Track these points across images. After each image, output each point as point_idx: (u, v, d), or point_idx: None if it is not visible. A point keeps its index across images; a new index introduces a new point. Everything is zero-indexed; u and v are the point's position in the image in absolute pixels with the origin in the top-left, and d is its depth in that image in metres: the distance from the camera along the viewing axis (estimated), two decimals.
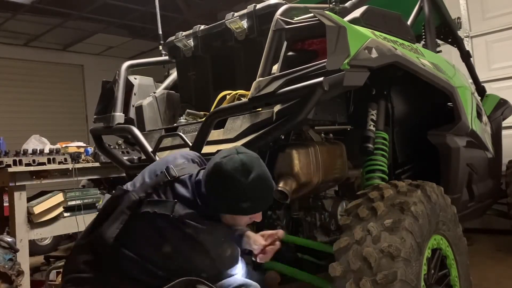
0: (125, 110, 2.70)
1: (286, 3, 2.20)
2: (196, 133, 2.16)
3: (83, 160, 4.33)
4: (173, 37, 2.78)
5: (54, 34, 8.89)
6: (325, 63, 1.78)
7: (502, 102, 4.01)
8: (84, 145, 4.68)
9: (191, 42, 2.67)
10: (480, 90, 4.02)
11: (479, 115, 3.12)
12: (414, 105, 2.85)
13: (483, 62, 5.15)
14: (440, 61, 2.59)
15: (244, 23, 2.38)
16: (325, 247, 2.28)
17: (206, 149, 2.14)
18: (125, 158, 2.78)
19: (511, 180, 3.78)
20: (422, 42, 2.97)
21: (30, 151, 4.09)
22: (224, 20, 2.46)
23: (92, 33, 9.05)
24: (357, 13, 2.12)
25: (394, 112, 2.67)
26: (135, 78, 2.90)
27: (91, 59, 10.28)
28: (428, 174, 2.49)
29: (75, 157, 4.20)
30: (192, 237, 1.58)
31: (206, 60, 2.68)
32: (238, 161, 1.58)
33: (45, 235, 4.83)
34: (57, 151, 4.25)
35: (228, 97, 2.32)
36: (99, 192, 4.74)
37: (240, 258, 1.72)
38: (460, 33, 4.01)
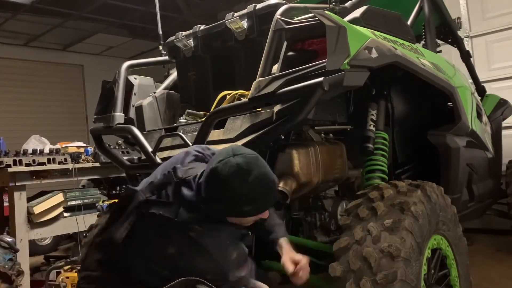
0: (125, 110, 2.70)
1: (286, 3, 2.19)
2: (196, 133, 2.17)
3: (83, 160, 4.33)
4: (173, 37, 2.78)
5: (54, 34, 8.90)
6: (325, 63, 1.78)
7: (502, 102, 4.01)
8: (84, 145, 4.68)
9: (191, 42, 2.67)
10: (480, 90, 4.02)
11: (479, 115, 3.12)
12: (414, 105, 2.85)
13: (483, 62, 5.15)
14: (440, 61, 2.59)
15: (244, 23, 2.38)
16: (325, 247, 2.28)
17: None
18: (125, 158, 2.78)
19: (511, 180, 3.78)
20: (422, 42, 2.97)
21: (30, 151, 4.10)
22: (224, 20, 2.46)
23: (92, 33, 9.06)
24: (357, 13, 2.12)
25: (394, 112, 2.67)
26: (135, 78, 2.89)
27: (91, 59, 10.28)
28: (428, 174, 2.49)
29: (75, 157, 4.20)
30: (196, 241, 1.57)
31: (206, 60, 2.68)
32: (234, 165, 1.53)
33: (45, 235, 4.84)
34: (57, 151, 4.26)
35: (228, 97, 2.32)
36: (99, 192, 4.75)
37: (248, 259, 1.71)
38: (460, 33, 4.01)
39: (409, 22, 2.67)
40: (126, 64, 2.79)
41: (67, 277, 3.73)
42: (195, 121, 2.50)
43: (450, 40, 3.74)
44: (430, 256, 1.96)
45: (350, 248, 1.80)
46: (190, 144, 2.17)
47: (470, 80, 3.84)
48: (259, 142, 1.99)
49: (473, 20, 5.28)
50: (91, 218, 3.99)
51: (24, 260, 3.73)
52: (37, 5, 7.27)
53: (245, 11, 2.41)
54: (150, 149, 2.37)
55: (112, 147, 3.72)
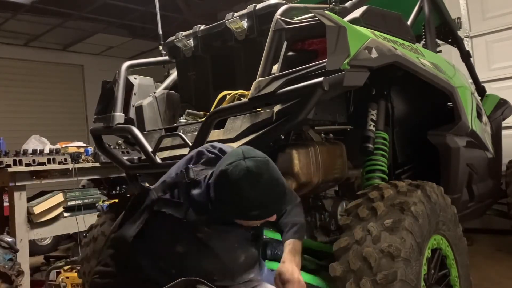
0: (125, 110, 2.70)
1: (286, 3, 2.19)
2: (196, 133, 2.16)
3: (83, 160, 4.33)
4: (173, 37, 2.78)
5: (54, 34, 8.90)
6: (325, 63, 1.78)
7: (502, 102, 4.01)
8: (84, 145, 4.68)
9: (191, 42, 2.67)
10: (480, 90, 4.02)
11: (479, 115, 3.12)
12: (414, 105, 2.85)
13: (483, 62, 5.15)
14: (440, 61, 2.59)
15: (244, 23, 2.38)
16: (325, 247, 2.28)
17: None
18: (125, 158, 2.78)
19: (511, 180, 3.78)
20: (422, 42, 2.97)
21: (30, 151, 4.10)
22: (224, 20, 2.46)
23: (92, 33, 9.06)
24: (357, 13, 2.12)
25: (394, 112, 2.67)
26: (135, 78, 2.89)
27: (91, 59, 10.28)
28: (428, 174, 2.49)
29: (75, 157, 4.21)
30: (204, 243, 1.57)
31: (206, 60, 2.68)
32: (244, 168, 1.50)
33: (45, 235, 4.84)
34: (57, 151, 4.26)
35: (228, 97, 2.32)
36: (99, 192, 4.75)
37: (258, 262, 1.70)
38: (460, 33, 4.01)
39: (409, 22, 2.67)
40: (126, 64, 2.79)
41: (67, 277, 3.73)
42: (195, 121, 2.50)
43: (450, 40, 3.74)
44: (430, 256, 1.96)
45: (350, 248, 1.80)
46: (190, 144, 2.17)
47: (470, 80, 3.84)
48: (259, 142, 1.98)
49: (473, 20, 5.28)
50: (91, 218, 3.99)
51: (24, 260, 3.73)
52: (37, 5, 7.26)
53: (245, 11, 2.41)
54: (150, 149, 2.37)
55: (112, 147, 3.72)
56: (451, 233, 2.15)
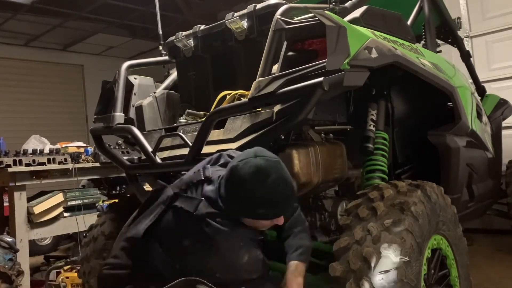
0: (125, 110, 2.70)
1: (286, 3, 2.19)
2: (196, 133, 2.16)
3: (83, 160, 4.33)
4: (173, 37, 2.78)
5: (54, 34, 8.90)
6: (325, 63, 1.78)
7: (502, 102, 4.01)
8: (84, 145, 4.68)
9: (191, 42, 2.67)
10: (480, 90, 4.02)
11: (479, 115, 3.12)
12: (414, 105, 2.85)
13: (483, 62, 5.15)
14: (440, 61, 2.59)
15: (244, 23, 2.38)
16: (325, 247, 2.28)
17: (206, 149, 2.14)
18: (125, 158, 2.78)
19: (511, 180, 3.78)
20: (422, 42, 2.97)
21: (30, 151, 4.10)
22: (224, 20, 2.46)
23: (92, 33, 9.06)
24: (357, 13, 2.12)
25: (394, 112, 2.66)
26: (135, 78, 2.89)
27: (91, 59, 10.29)
28: (428, 174, 2.48)
29: (75, 157, 4.21)
30: (210, 237, 1.59)
31: (206, 60, 2.68)
32: (254, 166, 1.54)
33: (45, 235, 4.84)
34: (57, 151, 4.26)
35: (228, 97, 2.32)
36: (99, 192, 4.75)
37: (262, 264, 1.71)
38: (460, 33, 4.01)
39: (409, 22, 2.67)
40: (126, 64, 2.79)
41: (67, 277, 3.73)
42: (195, 121, 2.50)
43: (450, 40, 3.74)
44: (430, 256, 1.96)
45: (350, 248, 1.80)
46: (190, 144, 2.17)
47: (470, 80, 3.84)
48: (259, 142, 1.98)
49: (473, 20, 5.28)
50: (91, 218, 3.99)
51: (24, 260, 3.73)
52: (37, 5, 7.26)
53: (245, 11, 2.41)
54: (150, 149, 2.37)
55: (112, 147, 3.72)
56: (451, 233, 2.15)
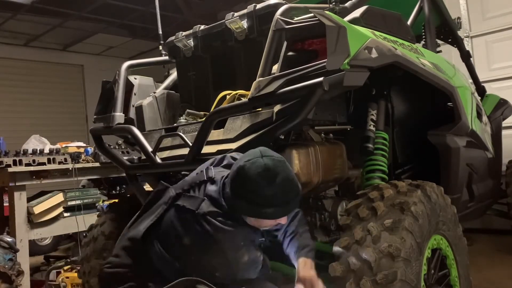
0: (125, 110, 2.70)
1: (286, 3, 2.19)
2: (196, 133, 2.16)
3: (83, 160, 4.33)
4: (173, 37, 2.78)
5: (54, 34, 8.90)
6: (325, 63, 1.78)
7: (502, 102, 4.01)
8: (84, 145, 4.68)
9: (191, 42, 2.67)
10: (480, 90, 4.02)
11: (479, 115, 3.12)
12: (414, 105, 2.85)
13: (483, 62, 5.15)
14: (440, 61, 2.59)
15: (244, 23, 2.38)
16: (325, 247, 2.28)
17: (206, 149, 2.14)
18: (125, 158, 2.78)
19: (511, 180, 3.77)
20: (422, 42, 2.97)
21: (30, 151, 4.10)
22: (224, 20, 2.46)
23: (92, 33, 9.06)
24: (357, 13, 2.12)
25: (394, 112, 2.66)
26: (135, 78, 2.89)
27: (91, 59, 10.28)
28: (428, 174, 2.48)
29: (75, 157, 4.21)
30: (211, 235, 1.60)
31: (206, 60, 2.68)
32: (262, 166, 1.55)
33: (45, 235, 4.84)
34: (57, 151, 4.26)
35: (228, 97, 2.32)
36: (99, 192, 4.75)
37: (262, 265, 1.72)
38: (460, 33, 4.01)
39: (409, 22, 2.67)
40: (126, 64, 2.79)
41: (67, 277, 3.73)
42: (195, 121, 2.50)
43: (450, 40, 3.74)
44: (430, 256, 1.96)
45: (350, 248, 1.80)
46: (190, 144, 2.17)
47: (470, 80, 3.84)
48: (259, 142, 1.98)
49: (473, 20, 5.28)
50: (91, 218, 3.99)
51: (24, 260, 3.73)
52: (37, 5, 7.26)
53: (245, 11, 2.41)
54: (150, 149, 2.37)
55: (112, 147, 3.72)
56: (451, 233, 2.15)
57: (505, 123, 4.04)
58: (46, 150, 4.25)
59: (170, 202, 1.73)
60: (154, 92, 2.89)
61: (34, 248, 5.34)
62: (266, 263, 1.80)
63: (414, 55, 2.25)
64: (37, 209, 4.04)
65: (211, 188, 1.70)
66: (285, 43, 1.99)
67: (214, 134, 2.19)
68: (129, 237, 1.78)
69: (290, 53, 2.00)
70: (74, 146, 4.50)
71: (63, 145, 4.52)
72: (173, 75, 3.03)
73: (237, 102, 2.22)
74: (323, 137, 2.34)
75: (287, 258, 1.88)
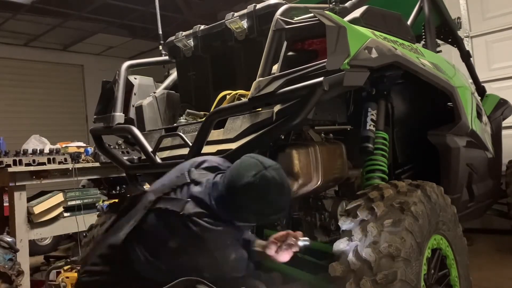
0: (125, 110, 2.70)
1: (286, 3, 2.19)
2: (196, 133, 2.16)
3: (83, 160, 4.33)
4: (173, 37, 2.78)
5: (54, 34, 8.89)
6: (325, 63, 1.78)
7: (502, 102, 4.01)
8: (84, 145, 4.68)
9: (191, 42, 2.67)
10: (480, 90, 4.02)
11: (479, 115, 3.12)
12: (414, 105, 2.85)
13: (483, 62, 5.15)
14: (440, 61, 2.59)
15: (244, 23, 2.38)
16: (325, 247, 2.28)
17: (206, 149, 2.14)
18: (125, 158, 2.78)
19: (511, 180, 3.77)
20: (422, 42, 2.97)
21: (30, 151, 4.10)
22: (224, 20, 2.46)
23: (92, 33, 9.05)
24: (357, 13, 2.12)
25: (394, 112, 2.66)
26: (135, 78, 2.89)
27: (91, 59, 10.28)
28: (428, 174, 2.48)
29: (75, 157, 4.20)
30: (198, 236, 1.61)
31: (206, 60, 2.68)
32: (271, 179, 1.60)
33: (45, 235, 4.83)
34: (57, 151, 4.25)
35: (228, 97, 2.32)
36: (99, 192, 4.75)
37: (247, 262, 1.74)
38: (460, 33, 4.00)
39: (409, 22, 2.67)
40: (126, 64, 2.79)
41: (67, 277, 3.72)
42: (195, 121, 2.50)
43: (450, 40, 3.74)
44: (430, 256, 1.96)
45: (350, 249, 1.80)
46: (190, 144, 2.17)
47: (470, 80, 3.84)
48: (259, 142, 1.99)
49: (473, 20, 5.28)
50: (91, 218, 3.99)
51: (24, 260, 3.73)
52: (37, 5, 7.26)
53: (245, 11, 2.41)
54: (150, 149, 2.37)
55: (112, 147, 3.72)
56: (451, 233, 2.15)
57: (505, 123, 4.04)
58: (46, 150, 4.25)
59: (150, 206, 1.72)
60: (154, 92, 2.89)
61: (34, 248, 5.34)
62: (250, 261, 1.82)
63: (414, 55, 2.25)
64: (37, 209, 4.04)
65: (196, 190, 1.71)
66: (285, 43, 1.99)
67: (214, 134, 2.19)
68: (108, 245, 1.76)
69: (290, 53, 2.00)
70: (74, 146, 4.50)
71: (63, 145, 4.52)
72: (173, 75, 3.03)
73: (237, 102, 2.22)
74: (323, 137, 2.34)
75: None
